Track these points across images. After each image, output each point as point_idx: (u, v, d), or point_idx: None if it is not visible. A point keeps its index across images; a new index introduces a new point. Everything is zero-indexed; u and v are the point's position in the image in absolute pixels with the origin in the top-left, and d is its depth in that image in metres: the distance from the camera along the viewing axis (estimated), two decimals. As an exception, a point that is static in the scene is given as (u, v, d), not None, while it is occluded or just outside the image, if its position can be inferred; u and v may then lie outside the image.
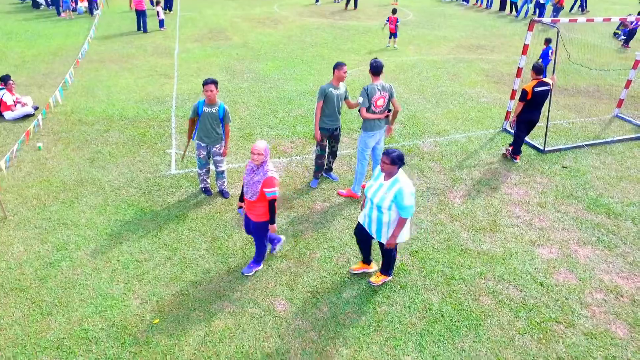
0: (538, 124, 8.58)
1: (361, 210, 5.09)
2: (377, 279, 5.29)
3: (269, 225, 5.06)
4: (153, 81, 11.55)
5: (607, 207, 6.95)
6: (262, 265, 5.50)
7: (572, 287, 5.42)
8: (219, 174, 6.70)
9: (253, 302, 5.04)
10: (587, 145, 8.82)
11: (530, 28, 8.51)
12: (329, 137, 6.88)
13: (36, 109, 9.56)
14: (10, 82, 9.43)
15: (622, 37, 17.11)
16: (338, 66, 6.41)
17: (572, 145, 8.77)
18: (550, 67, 11.62)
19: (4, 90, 9.18)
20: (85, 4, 19.80)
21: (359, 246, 5.31)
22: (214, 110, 6.21)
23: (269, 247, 5.67)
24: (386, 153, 4.55)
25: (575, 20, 8.64)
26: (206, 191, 6.86)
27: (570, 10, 23.45)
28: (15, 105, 9.28)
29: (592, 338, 4.76)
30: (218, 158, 6.51)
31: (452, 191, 7.23)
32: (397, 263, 5.65)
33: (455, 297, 5.22)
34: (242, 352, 4.47)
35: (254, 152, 4.70)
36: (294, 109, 10.07)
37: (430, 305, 5.09)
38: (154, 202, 6.70)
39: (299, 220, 6.40)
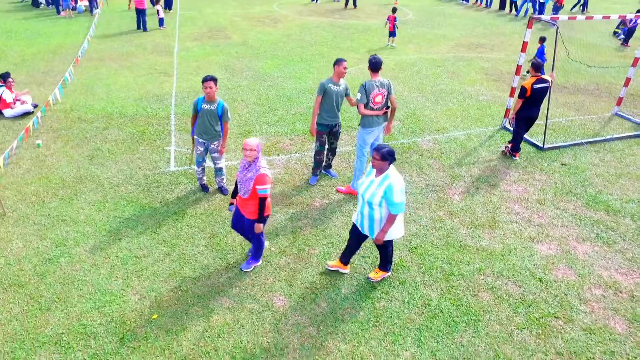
0: (537, 122, 8.59)
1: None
2: (376, 275, 5.29)
3: (255, 225, 4.94)
4: (152, 79, 11.55)
5: (606, 203, 6.95)
6: (260, 261, 5.50)
7: (571, 283, 5.42)
8: (218, 171, 6.70)
9: (252, 297, 5.04)
10: (586, 142, 8.82)
11: (529, 25, 8.51)
12: (328, 133, 6.87)
13: (35, 106, 9.55)
14: (10, 79, 9.43)
15: (622, 36, 17.11)
16: (338, 62, 6.41)
17: (572, 143, 8.76)
18: (549, 64, 11.61)
19: (4, 88, 9.18)
20: (85, 2, 19.79)
21: (347, 244, 5.24)
22: (212, 107, 6.21)
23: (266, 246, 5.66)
24: (377, 149, 4.54)
25: (575, 17, 8.64)
26: (204, 188, 6.87)
27: (571, 10, 23.44)
28: (14, 103, 9.28)
29: (590, 333, 4.76)
30: (216, 155, 6.51)
31: (451, 188, 7.23)
32: (396, 259, 5.65)
33: (454, 292, 5.22)
34: (240, 347, 4.47)
35: (246, 148, 4.67)
36: (293, 107, 10.07)
37: (429, 301, 5.09)
38: (153, 198, 6.70)
39: (298, 217, 6.40)
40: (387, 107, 6.40)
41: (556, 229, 6.35)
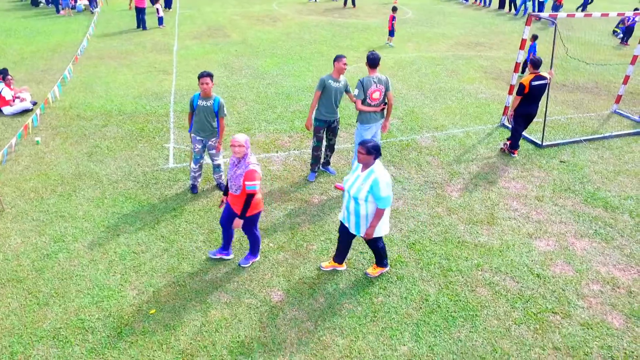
0: (536, 119, 8.59)
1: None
2: (373, 271, 5.30)
3: (235, 220, 4.86)
4: (152, 77, 11.55)
5: (604, 200, 6.95)
6: (258, 257, 5.50)
7: (568, 278, 5.43)
8: (216, 168, 6.70)
9: (249, 292, 5.05)
10: (585, 140, 8.83)
11: (528, 23, 8.52)
12: (327, 129, 6.87)
13: (35, 104, 9.56)
14: (9, 77, 9.43)
15: (620, 35, 17.12)
16: (338, 58, 6.41)
17: (570, 140, 8.77)
18: (547, 62, 11.61)
19: (3, 85, 9.18)
20: (85, 1, 19.80)
21: (338, 244, 5.22)
22: (209, 104, 6.20)
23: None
24: (361, 143, 4.55)
25: (573, 15, 8.65)
26: (193, 188, 6.75)
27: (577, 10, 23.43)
28: (13, 101, 9.28)
29: (588, 328, 4.77)
30: (214, 151, 6.51)
31: (450, 185, 7.23)
32: (394, 255, 5.66)
33: (452, 288, 5.22)
34: (238, 341, 4.48)
35: (234, 144, 4.64)
36: (292, 104, 10.08)
37: (427, 296, 5.09)
38: (151, 195, 6.71)
39: (297, 213, 6.40)
40: (385, 104, 6.40)
41: (554, 225, 6.36)
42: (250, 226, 5.07)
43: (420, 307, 4.95)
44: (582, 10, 23.10)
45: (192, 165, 6.59)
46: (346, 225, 4.94)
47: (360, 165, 4.69)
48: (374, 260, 5.50)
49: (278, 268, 5.41)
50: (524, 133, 8.41)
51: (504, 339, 4.62)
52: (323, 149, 7.23)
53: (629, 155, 8.35)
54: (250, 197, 4.75)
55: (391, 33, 15.23)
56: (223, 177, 6.86)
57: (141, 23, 16.35)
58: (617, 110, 10.35)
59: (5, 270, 5.23)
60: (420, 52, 14.74)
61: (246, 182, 4.70)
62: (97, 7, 19.57)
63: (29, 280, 5.12)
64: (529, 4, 21.48)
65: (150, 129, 8.72)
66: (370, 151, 4.50)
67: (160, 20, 16.81)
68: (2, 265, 5.30)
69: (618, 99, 10.28)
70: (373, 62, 6.13)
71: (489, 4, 23.86)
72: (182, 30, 16.56)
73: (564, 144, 8.67)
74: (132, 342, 4.42)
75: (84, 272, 5.25)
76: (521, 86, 7.60)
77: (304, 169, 7.52)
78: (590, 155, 8.31)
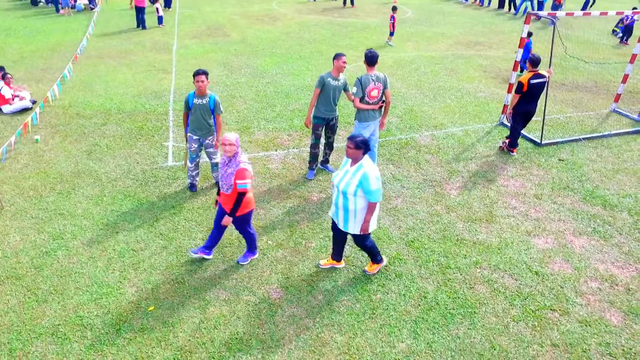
0: (535, 118, 8.60)
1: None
2: (371, 268, 5.30)
3: (225, 218, 4.85)
4: (151, 76, 11.56)
5: (603, 198, 6.96)
6: (257, 254, 5.51)
7: (567, 276, 5.43)
8: (214, 166, 6.70)
9: (248, 290, 5.05)
10: (584, 138, 8.83)
11: (526, 21, 8.53)
12: (325, 127, 6.88)
13: (34, 102, 9.56)
14: (8, 75, 9.44)
15: (620, 34, 17.12)
16: (337, 57, 6.42)
17: (569, 139, 8.78)
18: (545, 60, 11.62)
19: (2, 83, 9.19)
20: (85, 1, 19.80)
21: (333, 242, 5.22)
22: (204, 102, 6.20)
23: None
24: (350, 138, 4.56)
25: (572, 13, 8.66)
26: (191, 187, 6.76)
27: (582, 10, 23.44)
28: (13, 99, 9.29)
29: (586, 325, 4.77)
30: (211, 150, 6.51)
31: (449, 183, 7.24)
32: (393, 252, 5.67)
33: (450, 285, 5.23)
34: (236, 338, 4.48)
35: (224, 143, 4.64)
36: (292, 103, 10.08)
37: (426, 294, 5.10)
38: (150, 193, 6.71)
39: (295, 211, 6.41)
40: (383, 102, 6.41)
41: (553, 223, 6.37)
42: (243, 225, 5.07)
43: (419, 304, 4.96)
44: (582, 8, 23.10)
45: (189, 164, 6.58)
46: (335, 220, 4.94)
47: (350, 160, 4.70)
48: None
49: (277, 265, 5.41)
50: (522, 131, 8.42)
51: (502, 335, 4.63)
52: (321, 147, 7.24)
53: (627, 154, 8.36)
54: (241, 195, 4.74)
55: (391, 32, 15.24)
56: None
57: (141, 22, 16.36)
58: (616, 109, 10.36)
59: (5, 268, 5.23)
60: (419, 51, 14.75)
61: (237, 181, 4.69)
62: (96, 6, 19.57)
63: (28, 277, 5.12)
64: (529, 4, 21.45)
65: (150, 128, 8.72)
66: (359, 146, 4.52)
67: (160, 20, 16.81)
68: (1, 263, 5.31)
69: (617, 97, 10.29)
70: (371, 59, 6.14)
71: (489, 4, 23.86)
72: (182, 29, 16.57)
73: (562, 142, 8.67)
74: (130, 339, 4.43)
75: (82, 269, 5.26)
76: (520, 84, 7.60)
77: (302, 167, 7.53)
78: (589, 153, 8.32)
